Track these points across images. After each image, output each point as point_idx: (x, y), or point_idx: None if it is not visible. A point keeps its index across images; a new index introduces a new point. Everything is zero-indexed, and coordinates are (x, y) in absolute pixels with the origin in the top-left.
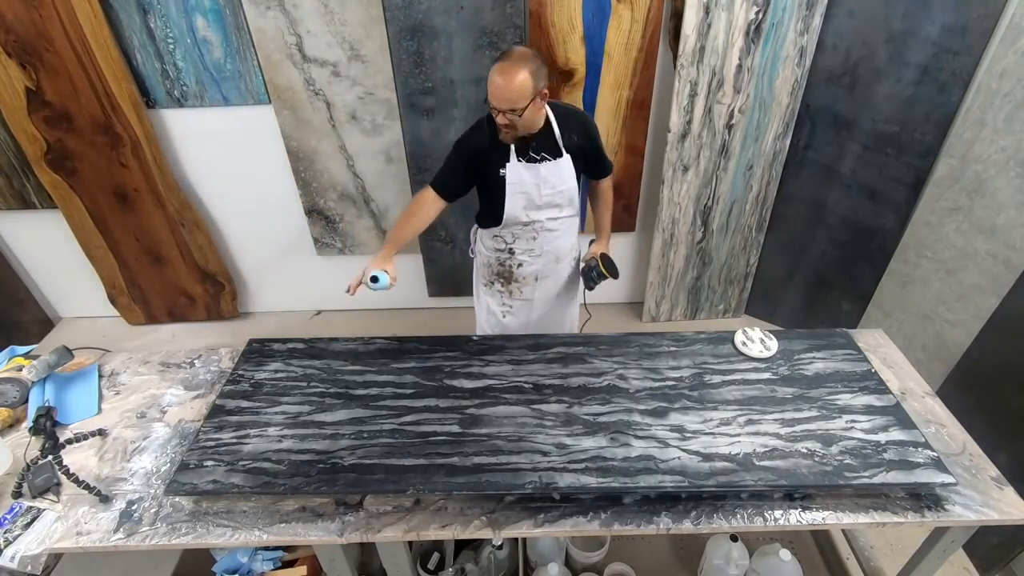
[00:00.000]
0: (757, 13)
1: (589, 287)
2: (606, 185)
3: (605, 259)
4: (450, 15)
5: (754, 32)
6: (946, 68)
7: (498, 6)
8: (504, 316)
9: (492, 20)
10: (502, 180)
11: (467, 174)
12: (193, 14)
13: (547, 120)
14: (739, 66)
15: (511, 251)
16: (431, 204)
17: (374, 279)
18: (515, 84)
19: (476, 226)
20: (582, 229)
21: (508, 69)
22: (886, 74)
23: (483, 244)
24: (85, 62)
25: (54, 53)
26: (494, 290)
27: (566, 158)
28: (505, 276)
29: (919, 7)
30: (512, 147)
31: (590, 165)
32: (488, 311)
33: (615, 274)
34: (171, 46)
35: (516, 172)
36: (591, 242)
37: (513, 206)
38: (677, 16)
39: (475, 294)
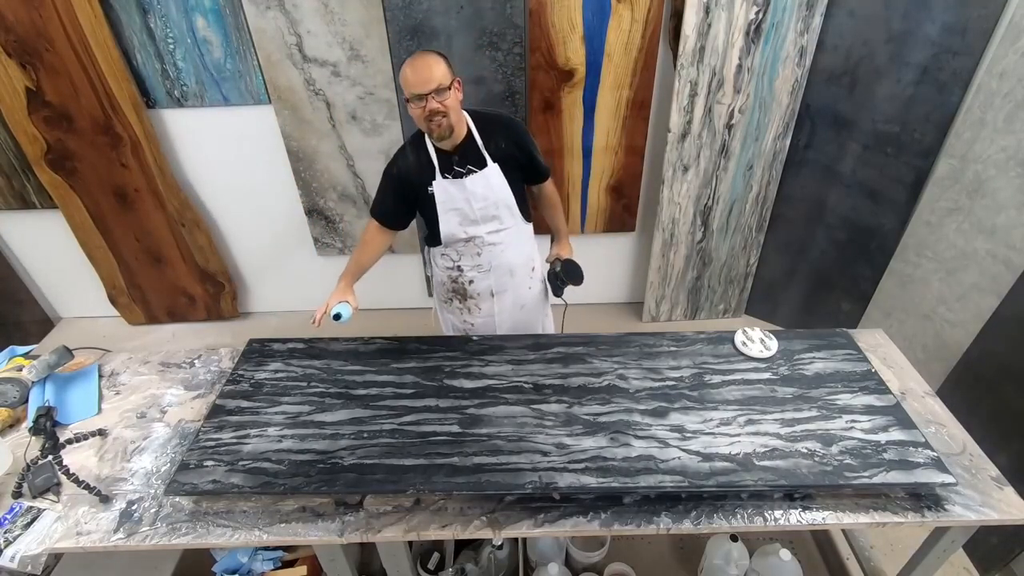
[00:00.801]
0: (757, 13)
1: (556, 294)
2: (549, 189)
3: (568, 264)
4: (450, 15)
5: (754, 32)
6: (946, 68)
7: (498, 6)
8: (468, 333)
9: (492, 20)
10: (432, 198)
11: (400, 200)
12: (193, 14)
13: (468, 130)
14: (739, 66)
15: (459, 268)
16: (377, 235)
17: (336, 316)
18: (431, 63)
19: (426, 246)
20: (582, 230)
21: (418, 57)
22: (886, 74)
23: (435, 263)
24: (85, 62)
25: (54, 53)
26: (453, 307)
27: (492, 167)
28: (460, 293)
29: (919, 7)
30: (436, 164)
31: (523, 171)
32: (453, 328)
33: (578, 280)
34: (171, 46)
35: (443, 189)
36: (551, 243)
37: (448, 223)
38: (677, 16)
39: (437, 313)
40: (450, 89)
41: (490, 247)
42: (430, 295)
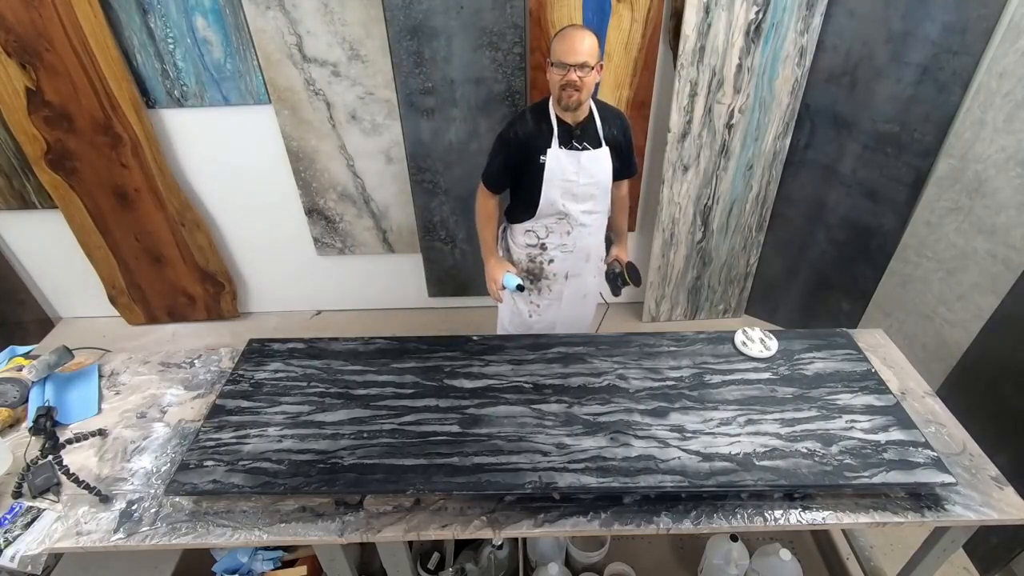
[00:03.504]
0: (757, 13)
1: (615, 293)
2: (625, 189)
3: (630, 268)
4: (450, 15)
5: (754, 32)
6: (946, 68)
7: (498, 6)
8: (531, 315)
9: (492, 20)
10: (541, 167)
11: (509, 165)
12: (193, 14)
13: (590, 111)
14: (739, 66)
15: (543, 246)
16: (489, 201)
17: (519, 287)
18: (588, 39)
19: (505, 223)
20: None
21: (579, 29)
22: (886, 74)
23: (513, 242)
24: (85, 62)
25: (54, 53)
26: (514, 294)
27: (605, 150)
28: (535, 273)
29: (919, 7)
30: (555, 134)
31: (621, 163)
32: (514, 311)
33: (638, 282)
34: (171, 46)
35: (556, 158)
36: (607, 243)
37: (550, 193)
38: (677, 16)
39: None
40: (593, 69)
41: (580, 227)
42: (430, 295)
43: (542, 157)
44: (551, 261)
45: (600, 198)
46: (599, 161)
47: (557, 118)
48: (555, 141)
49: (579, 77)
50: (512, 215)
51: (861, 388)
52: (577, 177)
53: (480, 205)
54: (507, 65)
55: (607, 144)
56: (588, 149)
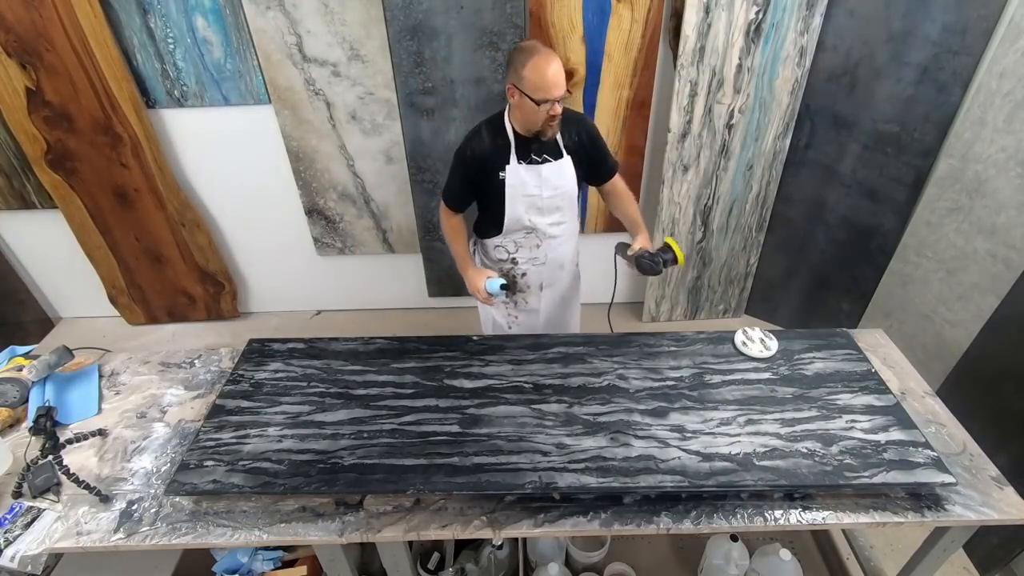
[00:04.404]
0: (757, 13)
1: (656, 272)
2: (620, 184)
3: (663, 250)
4: (450, 15)
5: (754, 32)
6: (946, 68)
7: (498, 6)
8: (510, 327)
9: (492, 20)
10: (502, 183)
11: (469, 183)
12: (193, 14)
13: None
14: (739, 66)
15: (515, 261)
16: (454, 218)
17: (502, 286)
18: (558, 63)
19: (475, 238)
20: (582, 230)
21: (550, 57)
22: (886, 74)
23: (484, 256)
24: (85, 62)
25: (54, 53)
26: (498, 301)
27: (567, 159)
28: (510, 286)
29: (919, 7)
30: (512, 149)
31: (592, 166)
32: (494, 324)
33: (675, 261)
34: (171, 46)
35: (516, 174)
36: (619, 245)
37: (515, 209)
38: (677, 16)
39: (480, 306)
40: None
41: (550, 240)
42: (430, 295)
43: (501, 173)
44: (524, 274)
45: (567, 208)
46: (561, 172)
47: (514, 132)
48: (513, 157)
49: (560, 106)
50: (480, 231)
51: (861, 388)
52: (540, 191)
53: (444, 223)
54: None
55: (568, 153)
56: (549, 161)
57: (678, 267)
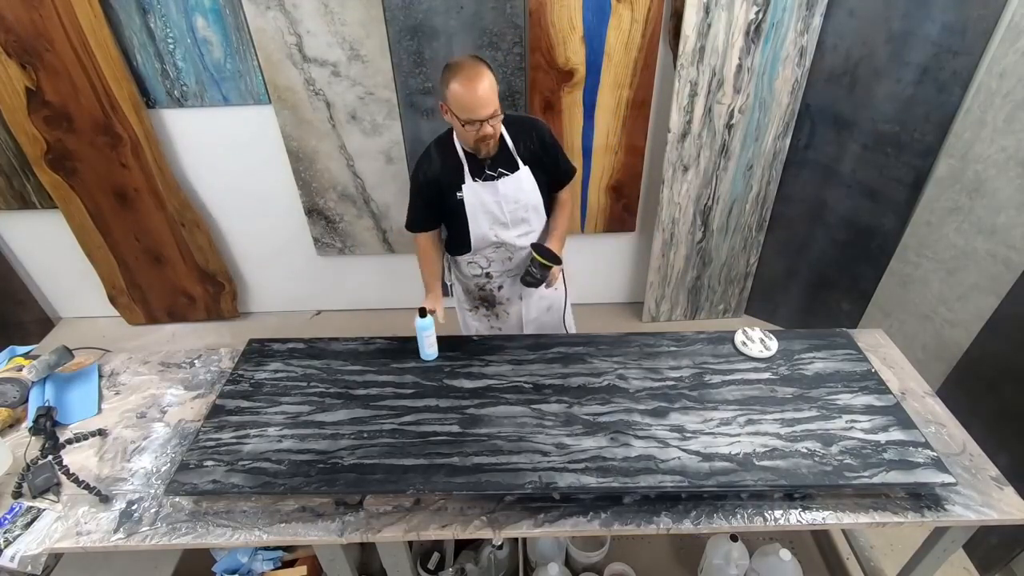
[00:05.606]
0: (757, 13)
1: (532, 284)
2: (564, 194)
3: (538, 250)
4: (450, 15)
5: (754, 32)
6: (946, 68)
7: (498, 6)
8: None
9: (492, 20)
10: (460, 203)
11: (430, 206)
12: (193, 14)
13: (499, 135)
14: (739, 66)
15: (488, 275)
16: (425, 241)
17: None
18: (487, 80)
19: (447, 256)
20: (582, 230)
21: (476, 74)
22: (886, 74)
23: (459, 272)
24: (85, 62)
25: (54, 53)
26: (480, 314)
27: (524, 170)
28: (488, 300)
29: (919, 7)
30: (466, 168)
31: (551, 172)
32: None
33: (556, 259)
34: (171, 46)
35: (473, 192)
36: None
37: (478, 227)
38: (677, 16)
39: (461, 321)
40: (497, 107)
41: (520, 251)
42: None
43: (459, 193)
44: (500, 288)
45: (533, 218)
46: (520, 184)
47: (464, 151)
48: (467, 176)
49: (492, 125)
50: (451, 249)
51: (861, 388)
52: (500, 207)
53: (418, 248)
54: (507, 65)
55: (525, 163)
56: (505, 175)
57: (559, 267)
